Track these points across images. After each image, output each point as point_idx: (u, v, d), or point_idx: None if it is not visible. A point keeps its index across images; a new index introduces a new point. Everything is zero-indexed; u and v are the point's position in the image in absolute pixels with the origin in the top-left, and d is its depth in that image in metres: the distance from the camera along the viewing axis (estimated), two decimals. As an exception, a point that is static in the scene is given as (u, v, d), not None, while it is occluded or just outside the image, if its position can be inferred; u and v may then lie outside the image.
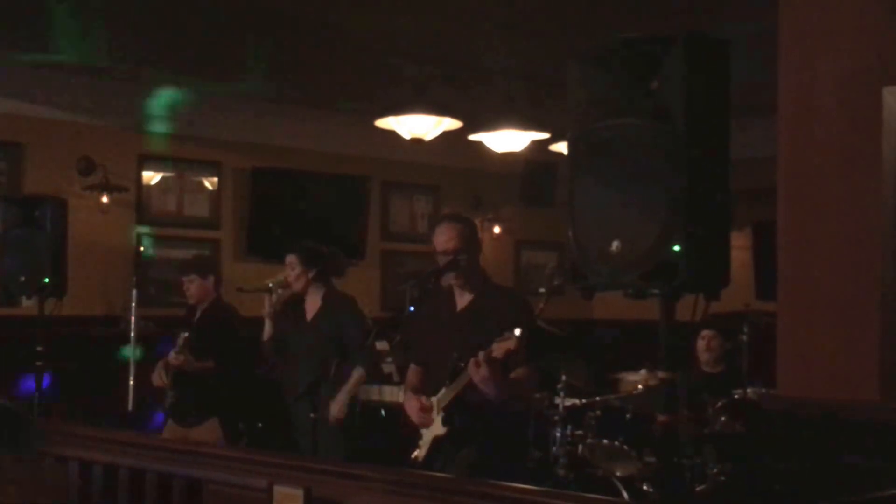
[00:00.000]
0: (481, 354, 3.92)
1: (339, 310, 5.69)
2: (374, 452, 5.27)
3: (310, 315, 5.74)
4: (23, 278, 4.99)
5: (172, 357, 5.91)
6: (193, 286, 6.13)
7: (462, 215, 4.53)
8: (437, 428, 4.15)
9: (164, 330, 7.31)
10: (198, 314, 6.20)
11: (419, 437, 4.25)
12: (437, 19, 6.75)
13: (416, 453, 4.22)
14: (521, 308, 4.25)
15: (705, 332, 6.37)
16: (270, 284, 5.79)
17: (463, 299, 4.30)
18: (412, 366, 4.54)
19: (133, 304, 7.96)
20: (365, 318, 5.87)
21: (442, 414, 4.14)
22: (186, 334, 5.90)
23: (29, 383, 6.62)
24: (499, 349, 3.91)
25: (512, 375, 4.11)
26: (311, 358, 5.54)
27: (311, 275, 5.67)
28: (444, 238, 4.25)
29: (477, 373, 3.91)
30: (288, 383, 5.81)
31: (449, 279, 4.27)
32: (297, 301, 5.82)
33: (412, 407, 4.26)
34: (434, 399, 4.18)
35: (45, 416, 5.13)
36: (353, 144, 9.88)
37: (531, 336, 4.20)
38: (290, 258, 5.69)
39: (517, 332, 3.88)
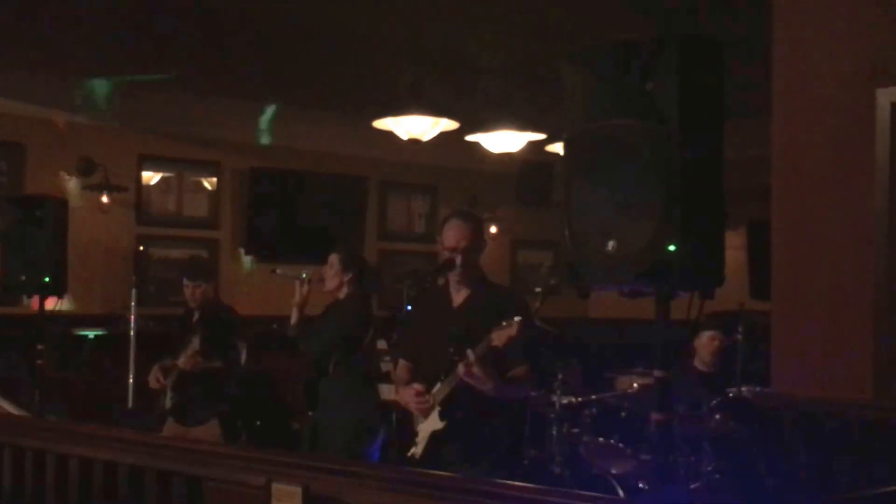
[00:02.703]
0: (470, 354, 3.95)
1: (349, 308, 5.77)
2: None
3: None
4: (23, 277, 5.01)
5: (182, 361, 5.94)
6: (199, 291, 6.18)
7: (471, 213, 4.52)
8: (434, 423, 4.16)
9: (163, 329, 7.35)
10: (196, 316, 6.23)
11: (415, 433, 4.27)
12: (433, 20, 6.78)
13: (413, 450, 4.23)
14: (518, 305, 4.27)
15: (714, 333, 6.34)
16: (304, 275, 5.84)
17: (459, 295, 4.31)
18: (401, 362, 4.52)
19: (132, 304, 7.99)
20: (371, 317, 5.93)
21: (439, 409, 4.15)
22: (198, 339, 5.93)
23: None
24: (499, 337, 3.93)
25: (511, 373, 4.14)
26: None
27: (346, 278, 5.73)
28: (453, 235, 4.24)
29: (467, 373, 3.96)
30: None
31: (451, 277, 4.30)
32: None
33: (408, 394, 4.24)
34: (431, 394, 4.20)
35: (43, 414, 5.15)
36: (351, 145, 9.91)
37: (529, 335, 4.24)
38: (332, 257, 5.78)
39: (517, 318, 3.90)
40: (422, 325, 4.42)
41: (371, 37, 7.19)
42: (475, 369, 3.94)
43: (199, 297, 6.19)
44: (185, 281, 6.23)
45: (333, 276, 5.72)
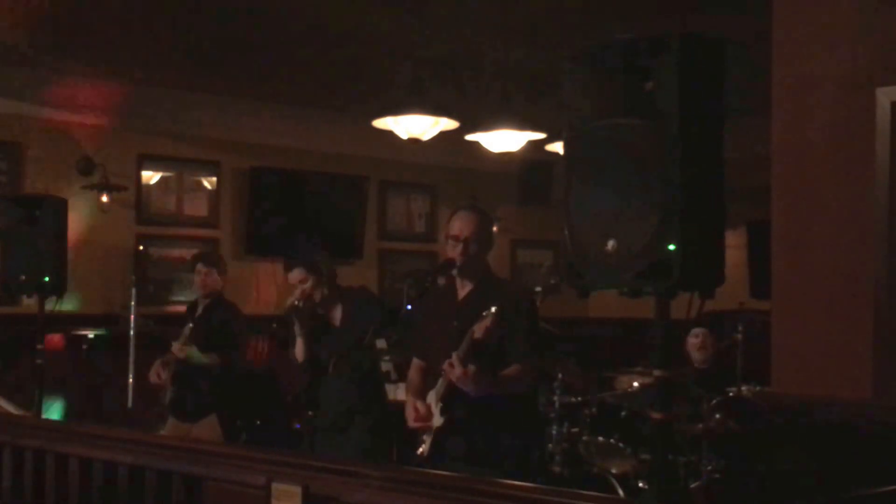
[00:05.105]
0: (454, 355, 3.97)
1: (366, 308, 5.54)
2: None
3: (337, 321, 5.54)
4: (23, 277, 5.01)
5: (177, 348, 5.94)
6: (210, 278, 6.20)
7: (482, 208, 4.50)
8: (436, 419, 4.16)
9: (163, 328, 7.34)
10: (199, 310, 6.24)
11: (421, 432, 4.26)
12: (434, 20, 6.78)
13: (421, 449, 4.22)
14: (522, 300, 4.27)
15: (698, 331, 6.38)
16: (296, 303, 5.34)
17: (463, 290, 4.32)
18: (414, 360, 4.52)
19: (132, 303, 8.00)
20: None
21: (440, 405, 4.15)
22: (191, 325, 5.94)
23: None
24: (479, 329, 3.97)
25: (504, 372, 4.13)
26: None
27: (324, 279, 5.39)
28: (460, 224, 4.23)
29: (451, 373, 3.97)
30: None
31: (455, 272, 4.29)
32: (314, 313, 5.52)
33: (409, 414, 4.26)
34: (432, 392, 4.21)
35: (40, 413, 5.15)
36: (351, 144, 9.92)
37: (533, 332, 4.24)
38: (298, 273, 5.33)
39: (493, 309, 3.95)
40: (429, 321, 4.42)
41: (371, 37, 7.19)
42: (457, 370, 3.96)
43: (209, 285, 6.21)
44: (199, 266, 6.24)
45: (314, 287, 5.35)
